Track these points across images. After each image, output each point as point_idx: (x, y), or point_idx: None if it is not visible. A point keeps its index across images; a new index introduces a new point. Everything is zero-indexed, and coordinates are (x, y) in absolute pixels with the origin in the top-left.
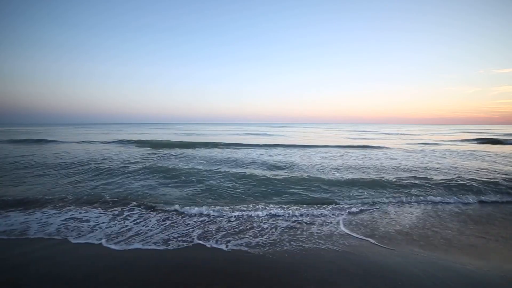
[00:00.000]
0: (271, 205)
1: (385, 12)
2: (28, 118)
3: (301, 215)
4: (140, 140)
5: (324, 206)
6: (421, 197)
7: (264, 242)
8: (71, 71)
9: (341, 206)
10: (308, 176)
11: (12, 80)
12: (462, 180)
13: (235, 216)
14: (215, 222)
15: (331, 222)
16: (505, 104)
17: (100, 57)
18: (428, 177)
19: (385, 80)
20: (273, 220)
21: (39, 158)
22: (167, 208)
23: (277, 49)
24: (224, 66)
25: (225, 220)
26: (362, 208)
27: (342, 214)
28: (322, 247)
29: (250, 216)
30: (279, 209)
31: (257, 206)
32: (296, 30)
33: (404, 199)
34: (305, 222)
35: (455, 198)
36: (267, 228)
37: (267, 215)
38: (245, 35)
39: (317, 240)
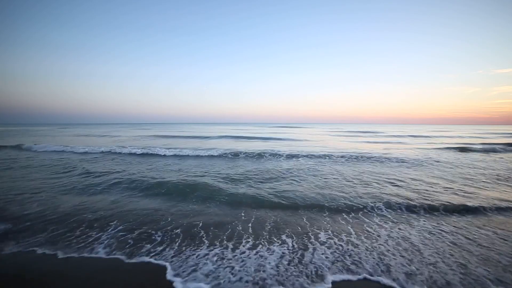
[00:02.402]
0: None
1: (388, 13)
2: (28, 118)
3: None
4: None
5: None
6: None
7: None
8: (73, 71)
9: None
10: None
11: (14, 80)
12: None
13: None
14: None
15: None
16: (504, 104)
17: (102, 57)
18: None
19: (387, 81)
20: None
21: None
22: None
23: (280, 50)
24: (228, 66)
25: None
26: None
27: None
28: None
29: None
30: None
31: None
32: (299, 31)
33: None
34: None
35: None
36: None
37: None
38: (247, 35)
39: None
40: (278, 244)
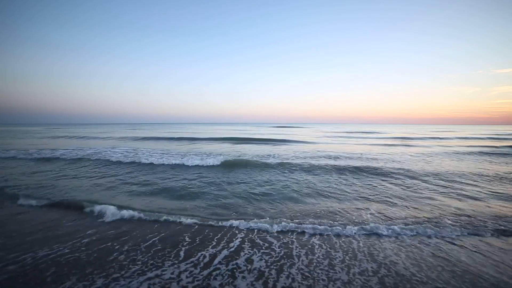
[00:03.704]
0: None
1: (388, 13)
2: (28, 118)
3: None
4: None
5: None
6: None
7: None
8: (73, 71)
9: None
10: None
11: (14, 80)
12: None
13: None
14: None
15: None
16: (504, 104)
17: (102, 57)
18: None
19: (387, 81)
20: None
21: None
22: None
23: (280, 50)
24: (228, 66)
25: None
26: None
27: None
28: None
29: None
30: None
31: None
32: (299, 31)
33: None
34: None
35: None
36: None
37: None
38: (247, 35)
39: None
40: None
